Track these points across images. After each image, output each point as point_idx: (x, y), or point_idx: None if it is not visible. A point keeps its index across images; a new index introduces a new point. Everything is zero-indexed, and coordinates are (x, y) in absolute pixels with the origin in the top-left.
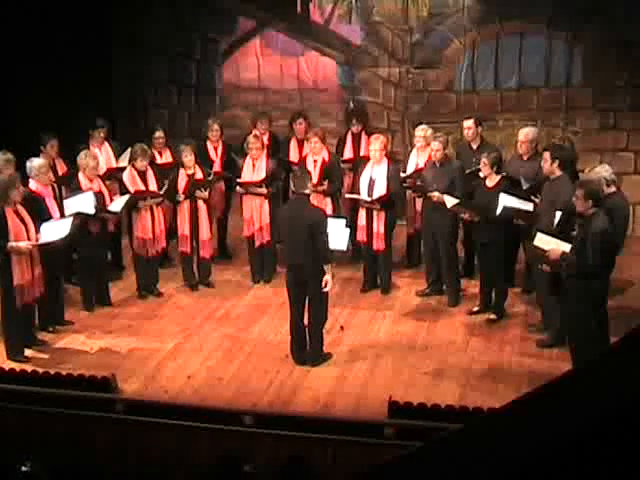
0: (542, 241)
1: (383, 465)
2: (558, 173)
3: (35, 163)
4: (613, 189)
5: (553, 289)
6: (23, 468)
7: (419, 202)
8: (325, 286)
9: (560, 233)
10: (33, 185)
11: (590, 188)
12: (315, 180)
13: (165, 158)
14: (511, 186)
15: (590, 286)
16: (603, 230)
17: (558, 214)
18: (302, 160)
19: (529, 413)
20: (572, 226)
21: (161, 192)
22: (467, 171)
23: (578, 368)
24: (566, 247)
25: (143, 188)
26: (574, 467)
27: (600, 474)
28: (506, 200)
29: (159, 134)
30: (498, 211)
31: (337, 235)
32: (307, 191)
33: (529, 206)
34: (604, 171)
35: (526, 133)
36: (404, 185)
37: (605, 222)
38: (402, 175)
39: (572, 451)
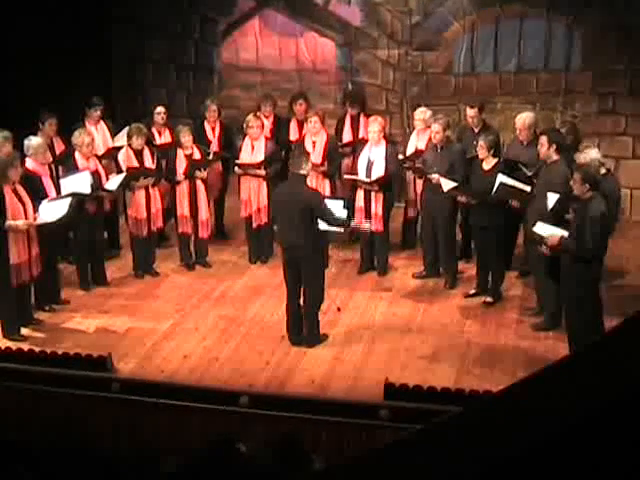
0: (541, 229)
1: (382, 449)
2: (555, 157)
3: (33, 142)
4: (603, 171)
5: (551, 273)
6: None
7: (419, 185)
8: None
9: (554, 216)
10: (30, 164)
11: (587, 172)
12: (319, 161)
13: (164, 138)
14: (509, 169)
15: (588, 270)
16: (601, 214)
17: (551, 197)
18: (300, 140)
19: (528, 397)
20: (566, 210)
21: (154, 168)
22: (468, 156)
23: (577, 352)
24: (565, 234)
25: (137, 165)
26: (573, 452)
27: (599, 459)
28: (503, 178)
29: (160, 109)
30: (494, 189)
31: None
32: (303, 172)
33: (527, 187)
34: (595, 153)
35: (523, 120)
36: (404, 166)
37: (602, 206)
38: (401, 157)
39: (571, 435)
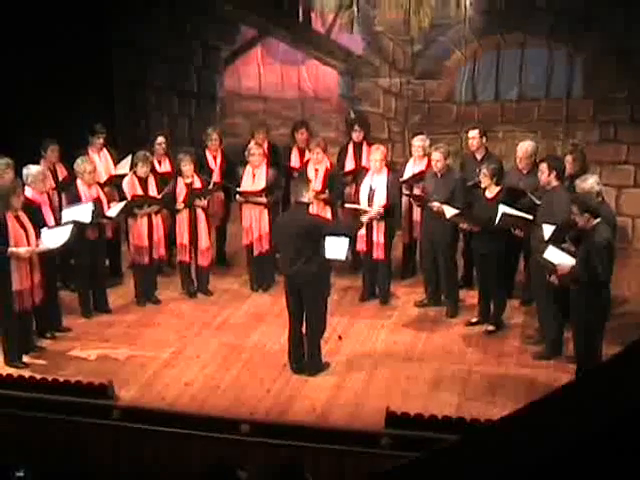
0: (551, 255)
1: (383, 474)
2: (555, 184)
3: (33, 170)
4: (599, 199)
5: (555, 301)
6: (18, 474)
7: (417, 212)
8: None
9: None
10: (29, 193)
11: (582, 202)
12: (319, 188)
13: (164, 167)
14: (511, 197)
15: (599, 297)
16: (607, 240)
17: (547, 228)
18: (303, 167)
19: (529, 424)
20: (564, 240)
21: (158, 197)
22: (469, 183)
23: (578, 379)
24: (573, 261)
25: (141, 193)
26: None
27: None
28: (505, 208)
29: (161, 139)
30: (497, 219)
31: (336, 244)
32: (305, 199)
33: (529, 216)
34: (595, 183)
35: (525, 149)
36: (405, 194)
37: (607, 233)
38: (400, 179)
39: (573, 462)
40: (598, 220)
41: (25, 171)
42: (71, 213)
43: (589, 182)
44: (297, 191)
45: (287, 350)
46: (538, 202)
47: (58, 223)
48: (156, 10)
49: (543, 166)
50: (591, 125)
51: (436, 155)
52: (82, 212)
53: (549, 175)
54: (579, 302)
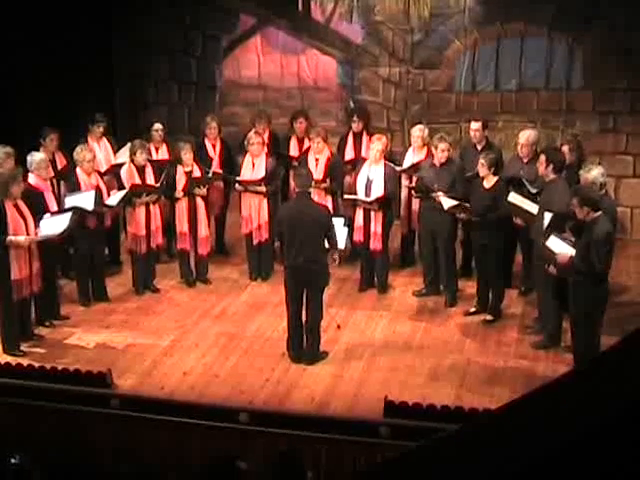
0: (553, 244)
1: (382, 463)
2: (552, 176)
3: (36, 157)
4: (602, 192)
5: (556, 293)
6: (13, 460)
7: (415, 202)
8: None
9: (550, 234)
10: (32, 179)
11: (584, 194)
12: (320, 177)
13: (161, 154)
14: (512, 187)
15: (597, 288)
16: (607, 233)
17: (547, 215)
18: (303, 155)
19: (527, 414)
20: (562, 228)
21: (157, 185)
22: (469, 174)
23: (577, 369)
24: (573, 252)
25: (139, 181)
26: (572, 469)
27: (600, 473)
28: (512, 197)
29: (158, 126)
30: (504, 207)
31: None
32: (311, 189)
33: (534, 209)
34: (599, 175)
35: (527, 136)
36: (406, 185)
37: (608, 225)
38: (398, 169)
39: (571, 453)
40: (599, 214)
41: (29, 158)
42: (74, 201)
43: (592, 173)
44: (302, 181)
45: (286, 339)
46: (533, 191)
47: (60, 210)
48: (157, 0)
49: (542, 158)
50: (590, 116)
51: (443, 145)
52: (85, 200)
53: (546, 167)
54: (578, 293)
